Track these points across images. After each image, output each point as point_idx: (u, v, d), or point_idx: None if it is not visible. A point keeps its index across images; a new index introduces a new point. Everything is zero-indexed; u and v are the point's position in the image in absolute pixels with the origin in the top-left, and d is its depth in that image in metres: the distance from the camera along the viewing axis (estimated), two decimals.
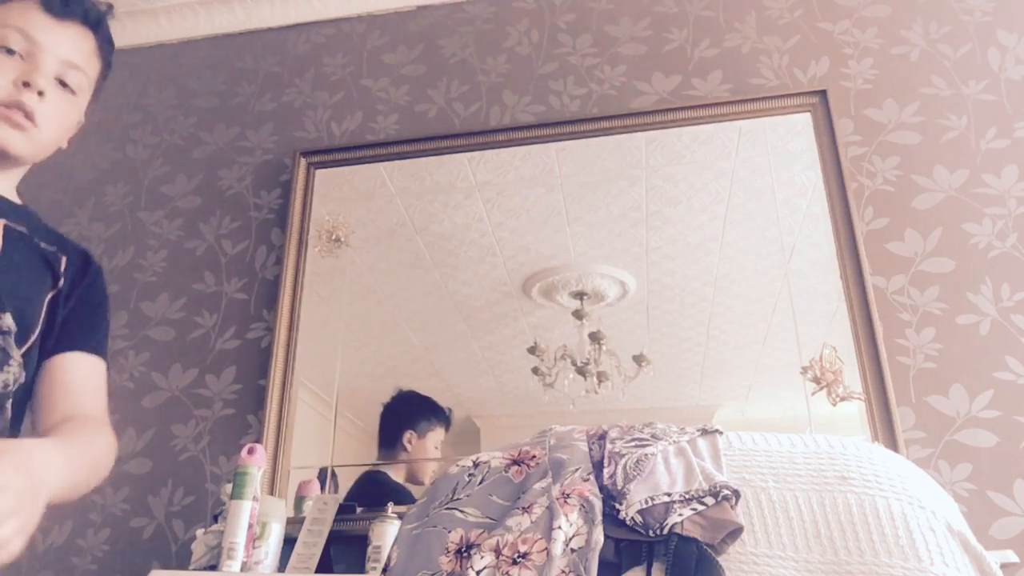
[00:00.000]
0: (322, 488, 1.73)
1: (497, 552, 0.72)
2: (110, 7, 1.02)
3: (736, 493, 0.73)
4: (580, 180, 1.92)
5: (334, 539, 1.54)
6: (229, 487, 1.47)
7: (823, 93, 1.87)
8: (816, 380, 1.61)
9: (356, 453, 1.81)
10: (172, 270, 2.06)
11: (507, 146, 1.98)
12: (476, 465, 0.81)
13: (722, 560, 0.72)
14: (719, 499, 0.71)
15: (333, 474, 1.77)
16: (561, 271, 1.84)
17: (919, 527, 0.71)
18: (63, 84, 0.91)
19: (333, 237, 1.98)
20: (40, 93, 0.87)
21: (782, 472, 0.77)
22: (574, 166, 1.94)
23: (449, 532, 0.75)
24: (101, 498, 1.81)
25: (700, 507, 0.71)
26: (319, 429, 1.82)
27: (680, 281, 1.77)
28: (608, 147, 1.93)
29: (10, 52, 0.89)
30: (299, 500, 1.69)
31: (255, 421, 1.81)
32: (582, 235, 1.86)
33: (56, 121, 0.92)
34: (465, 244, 1.91)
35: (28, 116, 0.86)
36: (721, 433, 0.82)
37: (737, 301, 1.74)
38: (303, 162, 2.07)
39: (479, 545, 0.74)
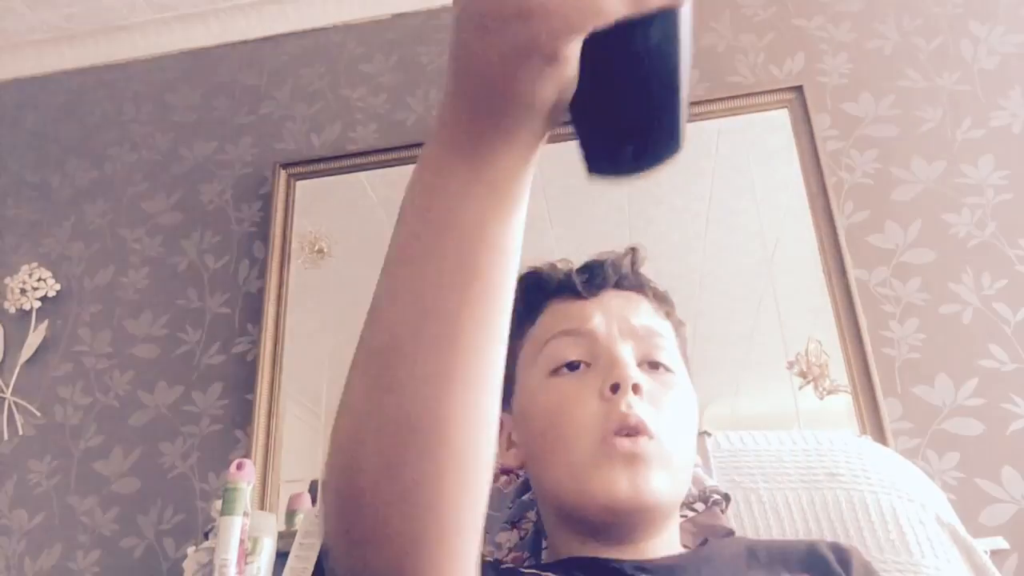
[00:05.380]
0: (313, 501, 1.72)
1: None
2: None
3: (726, 497, 0.73)
4: (562, 183, 1.92)
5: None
6: (219, 504, 1.47)
7: (800, 89, 1.88)
8: (802, 374, 1.61)
9: None
10: (154, 287, 2.04)
11: None
12: None
13: None
14: (709, 504, 0.71)
15: None
16: None
17: (909, 521, 0.72)
18: None
19: (316, 248, 1.97)
20: None
21: (771, 471, 0.77)
22: (555, 169, 1.93)
23: None
24: (90, 519, 1.80)
25: (690, 514, 0.71)
26: (308, 441, 1.81)
27: (665, 280, 1.76)
28: None
29: None
30: (290, 514, 1.68)
31: (243, 436, 1.80)
32: (565, 238, 1.86)
33: None
34: None
35: None
36: (710, 435, 0.82)
37: (722, 298, 1.75)
38: (283, 174, 2.06)
39: None
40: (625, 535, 0.61)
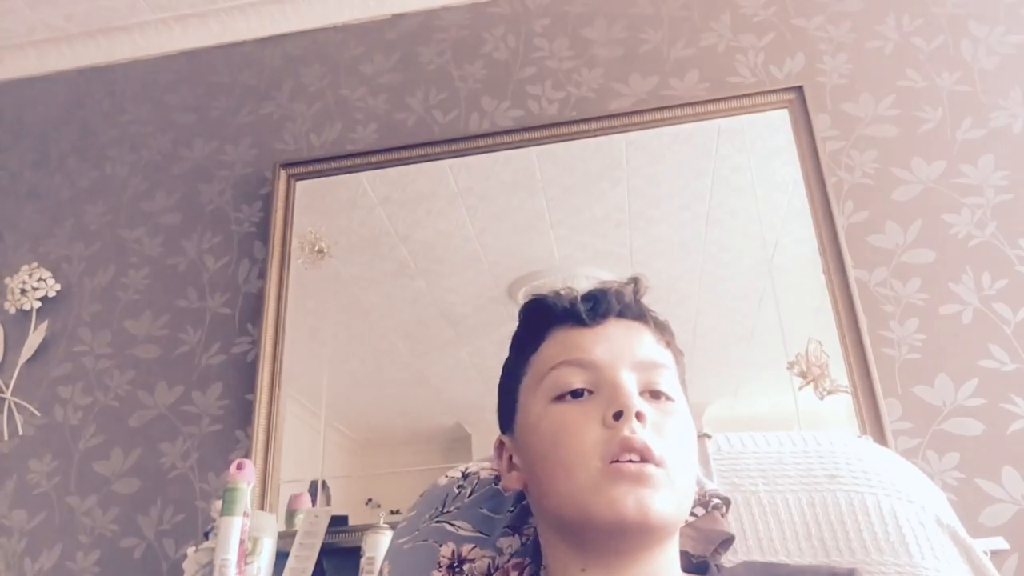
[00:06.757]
0: (313, 501, 1.73)
1: None
2: None
3: (726, 501, 0.73)
4: (562, 183, 1.92)
5: (327, 552, 1.54)
6: (219, 504, 1.47)
7: (799, 89, 1.88)
8: (803, 375, 1.61)
9: (346, 464, 1.80)
10: (155, 287, 2.04)
11: (487, 152, 1.98)
12: (465, 476, 0.81)
13: None
14: (709, 509, 0.71)
15: (324, 486, 1.76)
16: (546, 275, 1.84)
17: (908, 522, 0.72)
18: None
19: (316, 248, 1.97)
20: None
21: (772, 474, 0.77)
22: (555, 169, 1.94)
23: (440, 546, 0.75)
24: (90, 519, 1.80)
25: (691, 518, 0.71)
26: (308, 441, 1.81)
27: (665, 281, 1.78)
28: (588, 149, 1.94)
29: None
30: (290, 514, 1.68)
31: (243, 436, 1.80)
32: (566, 238, 1.86)
33: None
34: (449, 251, 1.91)
35: None
36: (710, 437, 0.82)
37: (722, 299, 1.75)
38: (283, 174, 2.06)
39: (472, 561, 0.74)
40: (626, 550, 0.62)
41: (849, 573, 0.61)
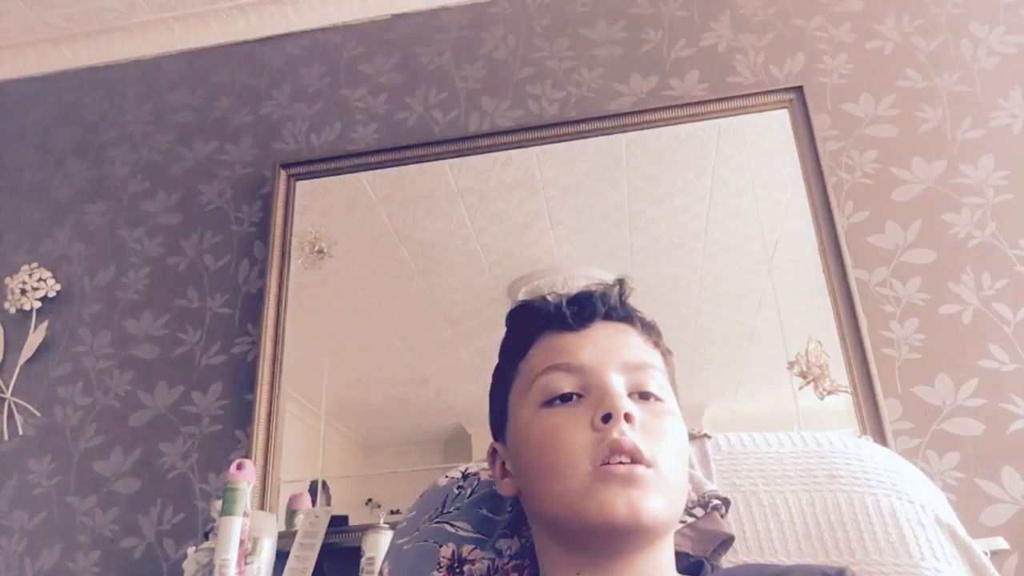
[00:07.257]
0: (313, 501, 1.73)
1: None
2: None
3: (726, 501, 0.73)
4: (562, 183, 1.92)
5: (327, 552, 1.54)
6: (219, 504, 1.47)
7: (799, 89, 1.88)
8: (803, 375, 1.61)
9: (346, 464, 1.80)
10: (155, 287, 2.04)
11: (487, 151, 1.98)
12: (465, 477, 0.81)
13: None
14: (709, 510, 0.71)
15: (324, 486, 1.76)
16: (546, 274, 1.84)
17: (908, 522, 0.71)
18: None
19: (316, 248, 1.97)
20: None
21: (771, 474, 0.77)
22: (555, 169, 1.94)
23: (440, 547, 0.75)
24: (91, 519, 1.80)
25: (690, 519, 0.71)
26: (308, 441, 1.81)
27: (665, 280, 1.78)
28: (588, 149, 1.94)
29: None
30: (290, 514, 1.68)
31: (243, 436, 1.80)
32: (566, 238, 1.86)
33: None
34: (449, 251, 1.91)
35: None
36: (710, 437, 0.82)
37: (722, 299, 1.75)
38: (283, 174, 2.06)
39: (472, 562, 0.74)
40: (619, 552, 0.62)
41: (839, 573, 0.61)
